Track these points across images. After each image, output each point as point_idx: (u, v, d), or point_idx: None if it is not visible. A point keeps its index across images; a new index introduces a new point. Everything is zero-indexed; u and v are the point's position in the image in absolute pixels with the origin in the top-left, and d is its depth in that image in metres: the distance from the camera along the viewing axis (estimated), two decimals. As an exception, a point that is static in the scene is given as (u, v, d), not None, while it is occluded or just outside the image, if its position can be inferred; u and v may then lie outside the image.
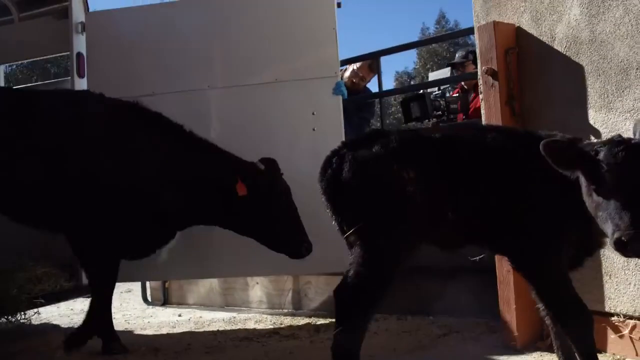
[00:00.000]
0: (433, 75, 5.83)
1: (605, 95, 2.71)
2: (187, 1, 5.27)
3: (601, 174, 1.98)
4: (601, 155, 2.00)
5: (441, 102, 4.99)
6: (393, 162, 2.29)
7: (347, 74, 5.57)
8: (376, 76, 5.49)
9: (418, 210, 2.25)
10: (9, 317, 4.63)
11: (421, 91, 5.36)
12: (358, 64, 5.58)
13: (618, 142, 2.02)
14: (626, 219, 1.88)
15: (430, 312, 4.36)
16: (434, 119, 5.09)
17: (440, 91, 5.09)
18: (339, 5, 4.85)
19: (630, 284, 2.72)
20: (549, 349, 2.84)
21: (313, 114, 4.69)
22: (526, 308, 2.98)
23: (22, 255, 4.44)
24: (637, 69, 2.58)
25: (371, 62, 5.54)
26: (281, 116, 4.72)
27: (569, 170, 2.07)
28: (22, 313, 4.60)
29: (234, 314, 5.15)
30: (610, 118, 2.66)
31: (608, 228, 1.96)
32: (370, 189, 2.31)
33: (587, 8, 2.78)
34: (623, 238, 1.86)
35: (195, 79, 4.79)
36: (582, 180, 2.07)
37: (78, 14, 5.19)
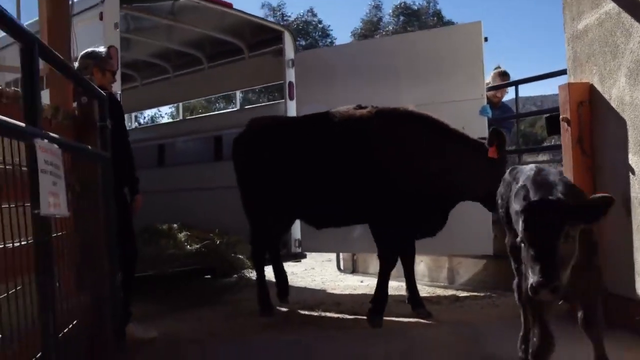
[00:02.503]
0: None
1: (638, 144, 3.59)
2: (376, 41, 6.68)
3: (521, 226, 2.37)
4: (522, 212, 2.39)
5: None
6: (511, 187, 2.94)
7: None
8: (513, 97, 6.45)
9: None
10: (238, 273, 6.67)
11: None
12: (490, 78, 6.57)
13: (530, 202, 2.37)
14: (536, 269, 2.24)
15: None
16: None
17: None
18: (486, 39, 5.95)
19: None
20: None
21: (463, 128, 5.81)
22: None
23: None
24: (658, 126, 3.44)
25: (500, 72, 6.54)
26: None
27: None
28: (247, 271, 6.60)
29: (402, 284, 6.51)
30: (641, 161, 3.56)
31: (527, 272, 2.37)
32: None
33: (629, 79, 3.60)
34: (534, 284, 2.22)
35: (383, 100, 5.53)
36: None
37: (289, 53, 7.03)
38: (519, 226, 2.39)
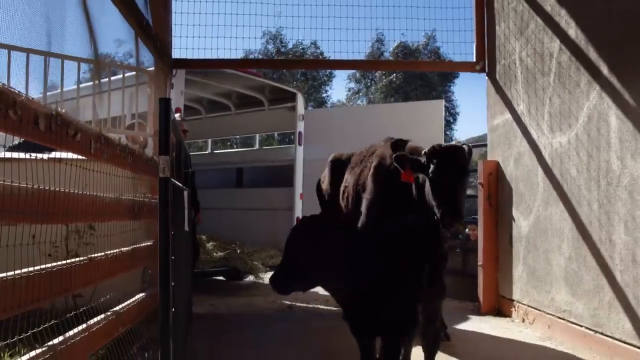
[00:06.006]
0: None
1: (517, 204, 5.80)
2: (358, 108, 8.93)
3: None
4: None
5: None
6: None
7: None
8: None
9: None
10: (253, 276, 8.77)
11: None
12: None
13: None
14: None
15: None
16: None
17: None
18: (446, 112, 8.20)
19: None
20: (498, 315, 6.01)
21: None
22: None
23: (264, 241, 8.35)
24: (525, 193, 5.67)
25: (457, 142, 8.80)
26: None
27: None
28: (260, 274, 8.67)
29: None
30: (518, 216, 5.78)
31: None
32: None
33: (514, 163, 5.84)
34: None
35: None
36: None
37: (300, 110, 9.21)
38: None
